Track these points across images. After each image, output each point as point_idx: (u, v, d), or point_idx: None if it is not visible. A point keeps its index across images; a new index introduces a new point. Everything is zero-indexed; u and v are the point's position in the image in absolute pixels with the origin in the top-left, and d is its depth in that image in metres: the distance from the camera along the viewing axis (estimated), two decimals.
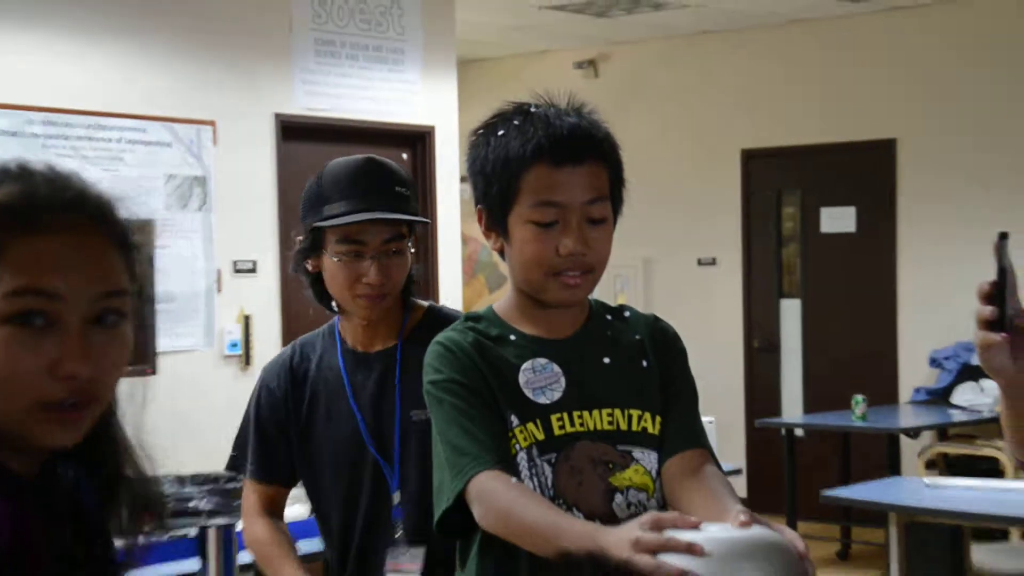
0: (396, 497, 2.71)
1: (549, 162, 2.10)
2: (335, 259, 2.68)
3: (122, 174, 6.39)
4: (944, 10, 8.88)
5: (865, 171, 9.23)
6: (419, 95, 7.64)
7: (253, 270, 6.91)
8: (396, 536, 2.69)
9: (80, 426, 1.43)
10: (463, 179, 7.90)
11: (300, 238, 2.76)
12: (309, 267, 2.75)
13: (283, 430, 2.81)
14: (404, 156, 7.69)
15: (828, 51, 9.38)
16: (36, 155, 6.07)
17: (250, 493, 2.89)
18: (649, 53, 10.03)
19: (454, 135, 7.77)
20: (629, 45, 10.06)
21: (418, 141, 7.70)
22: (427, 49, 7.65)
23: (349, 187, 2.70)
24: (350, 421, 2.74)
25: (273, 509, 2.87)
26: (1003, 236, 1.80)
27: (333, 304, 2.77)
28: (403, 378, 2.71)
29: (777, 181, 9.47)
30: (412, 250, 2.75)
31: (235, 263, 6.84)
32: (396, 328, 2.77)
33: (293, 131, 7.12)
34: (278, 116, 7.04)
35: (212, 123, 6.76)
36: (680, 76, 9.93)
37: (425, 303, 2.84)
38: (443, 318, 2.70)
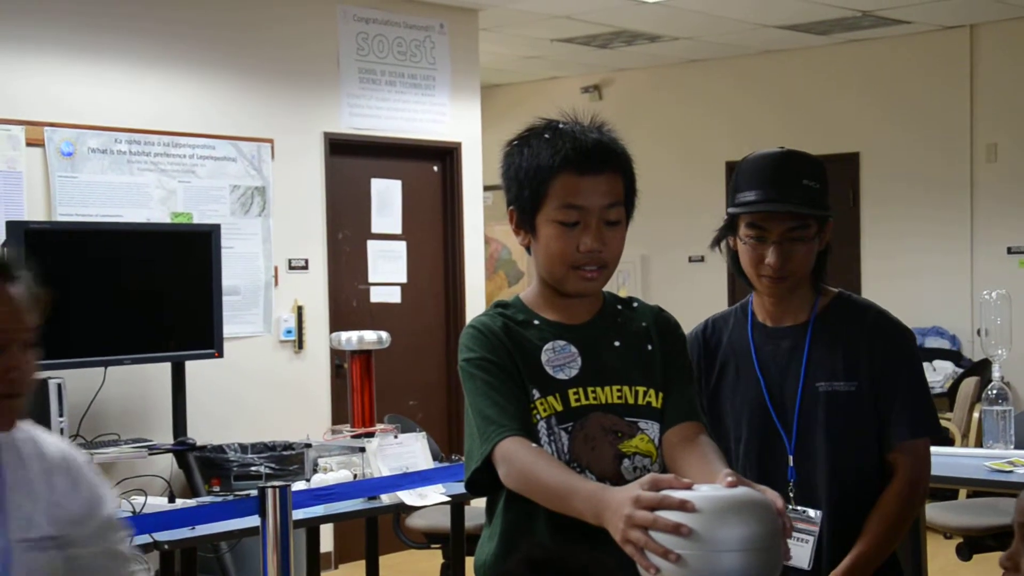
0: (791, 459, 2.54)
1: (574, 171, 2.09)
2: (743, 242, 2.58)
3: (194, 184, 6.41)
4: (896, 41, 8.86)
5: (832, 179, 9.00)
6: (447, 116, 7.62)
7: (305, 267, 6.91)
8: (789, 495, 2.51)
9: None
10: (486, 188, 7.88)
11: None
12: (730, 244, 2.64)
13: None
14: (435, 168, 7.68)
15: (798, 76, 9.36)
16: (122, 169, 6.12)
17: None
18: (646, 79, 10.01)
19: (478, 150, 7.76)
20: (628, 72, 10.04)
21: (447, 155, 7.69)
22: (454, 76, 7.64)
23: (760, 178, 2.59)
24: (755, 387, 2.58)
25: None
26: None
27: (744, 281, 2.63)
28: (812, 351, 2.55)
29: None
30: (818, 238, 2.58)
31: (290, 261, 6.83)
32: (805, 307, 2.60)
33: (340, 147, 7.11)
34: (327, 134, 7.03)
35: (270, 141, 6.75)
36: (672, 98, 9.91)
37: (835, 289, 2.66)
38: (853, 304, 2.61)
